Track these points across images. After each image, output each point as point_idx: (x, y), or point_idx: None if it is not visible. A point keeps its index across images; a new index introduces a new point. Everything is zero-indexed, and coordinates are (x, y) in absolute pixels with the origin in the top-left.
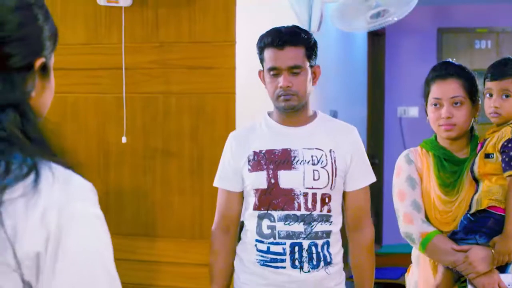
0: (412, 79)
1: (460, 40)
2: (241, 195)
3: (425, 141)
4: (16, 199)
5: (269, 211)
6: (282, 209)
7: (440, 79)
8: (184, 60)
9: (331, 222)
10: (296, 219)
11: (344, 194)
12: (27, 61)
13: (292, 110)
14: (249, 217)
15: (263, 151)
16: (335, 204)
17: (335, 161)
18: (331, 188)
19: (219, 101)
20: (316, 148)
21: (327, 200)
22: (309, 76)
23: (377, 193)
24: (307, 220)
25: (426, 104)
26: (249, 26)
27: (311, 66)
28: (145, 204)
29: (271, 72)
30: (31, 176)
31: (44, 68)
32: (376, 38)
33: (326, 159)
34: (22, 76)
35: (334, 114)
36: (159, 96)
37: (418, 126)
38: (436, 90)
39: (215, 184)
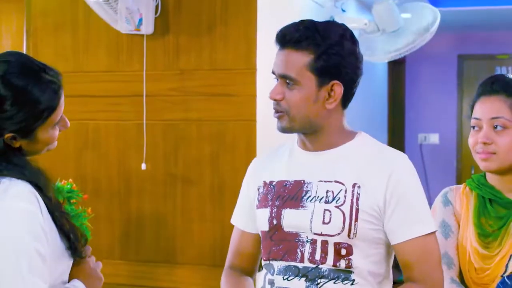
0: (432, 106)
1: (481, 67)
2: (258, 238)
3: (473, 177)
4: None
5: (270, 261)
6: (282, 259)
7: (485, 96)
8: (205, 87)
9: (353, 281)
10: (297, 272)
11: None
12: None
13: (291, 133)
14: (262, 268)
15: (274, 183)
16: (363, 260)
17: (357, 199)
18: (349, 236)
19: (240, 128)
20: (335, 181)
21: (343, 252)
22: (315, 95)
23: None
24: (310, 275)
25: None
26: (270, 53)
27: (321, 82)
28: (165, 231)
29: (273, 77)
30: None
31: (26, 135)
32: (396, 65)
33: (345, 196)
34: None
35: None
36: (179, 123)
37: (439, 153)
38: (477, 109)
39: (231, 220)
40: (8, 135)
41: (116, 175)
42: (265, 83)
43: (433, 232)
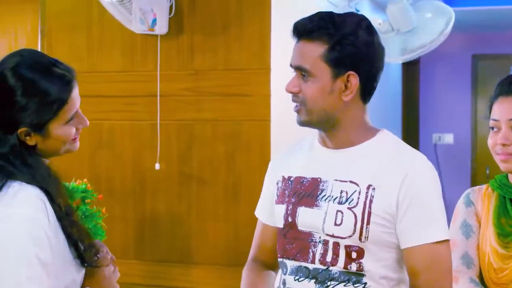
0: (447, 106)
1: (495, 67)
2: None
3: (495, 177)
4: None
5: (284, 260)
6: (294, 258)
7: (503, 96)
8: (219, 87)
9: (365, 285)
10: (307, 274)
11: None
12: (9, 130)
13: (309, 127)
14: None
15: (292, 178)
16: (375, 263)
17: (371, 201)
18: (360, 239)
19: (254, 128)
20: (350, 181)
21: (354, 255)
22: (330, 86)
23: None
24: (320, 277)
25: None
26: (284, 53)
27: (336, 73)
28: (180, 231)
29: (291, 71)
30: None
31: (38, 129)
32: (410, 65)
33: (358, 198)
34: (8, 138)
35: None
36: (193, 123)
37: (454, 153)
38: (496, 109)
39: (255, 212)
40: (21, 130)
41: (130, 175)
42: (279, 82)
43: (446, 241)
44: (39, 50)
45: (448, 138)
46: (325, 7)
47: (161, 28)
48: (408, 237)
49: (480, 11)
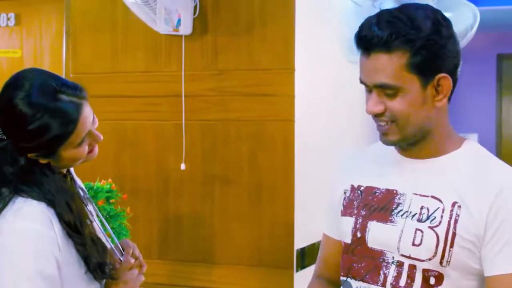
0: (471, 106)
1: None
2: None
3: None
4: None
5: (348, 279)
6: (362, 279)
7: None
8: (243, 87)
9: None
10: None
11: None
12: (20, 154)
13: (400, 146)
14: None
15: (362, 188)
16: None
17: (456, 221)
18: (441, 263)
19: (278, 128)
20: (432, 197)
21: (432, 281)
22: (421, 97)
23: None
24: None
25: None
26: (308, 53)
27: (425, 81)
28: (203, 231)
29: (365, 87)
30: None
31: (49, 155)
32: None
33: (442, 216)
34: (19, 159)
35: None
36: (217, 123)
37: None
38: None
39: (320, 225)
40: (31, 155)
41: (154, 175)
42: (303, 83)
43: None
44: (63, 50)
45: (473, 139)
46: (350, 7)
47: (186, 28)
48: (494, 264)
49: (504, 10)
